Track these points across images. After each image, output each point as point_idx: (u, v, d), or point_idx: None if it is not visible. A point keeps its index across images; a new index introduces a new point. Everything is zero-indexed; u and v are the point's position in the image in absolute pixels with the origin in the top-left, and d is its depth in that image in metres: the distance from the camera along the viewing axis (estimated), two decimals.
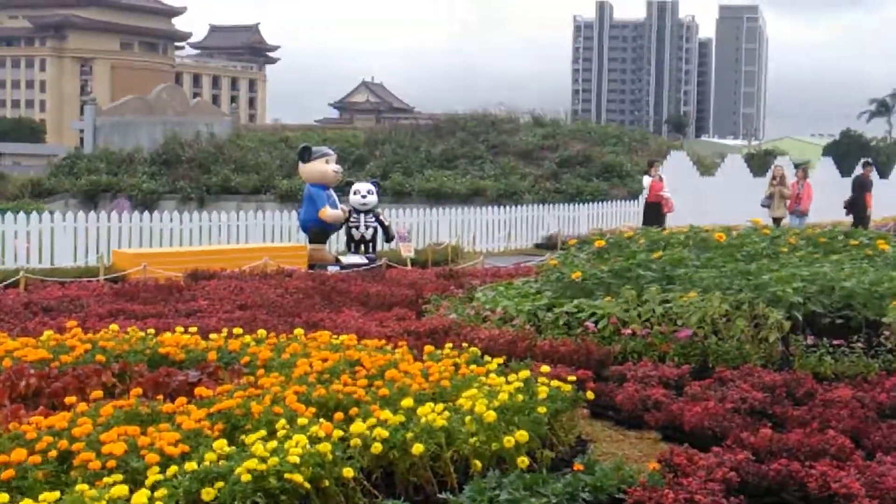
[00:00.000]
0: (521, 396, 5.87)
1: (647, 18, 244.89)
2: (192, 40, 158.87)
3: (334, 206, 17.85)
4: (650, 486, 4.92)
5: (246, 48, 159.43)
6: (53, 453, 4.86)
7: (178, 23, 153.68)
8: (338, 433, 5.09)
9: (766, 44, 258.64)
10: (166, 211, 21.70)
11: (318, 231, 18.02)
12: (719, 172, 34.91)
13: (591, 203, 30.33)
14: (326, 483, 4.78)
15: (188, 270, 14.49)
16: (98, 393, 6.10)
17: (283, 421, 5.28)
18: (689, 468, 5.22)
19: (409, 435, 5.18)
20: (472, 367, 6.66)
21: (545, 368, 6.63)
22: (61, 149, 71.71)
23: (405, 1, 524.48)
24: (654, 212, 23.03)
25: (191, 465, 4.62)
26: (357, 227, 18.11)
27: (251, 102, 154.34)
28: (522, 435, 5.37)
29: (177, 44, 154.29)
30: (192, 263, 15.14)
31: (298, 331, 8.05)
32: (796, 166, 28.83)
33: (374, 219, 18.25)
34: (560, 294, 10.22)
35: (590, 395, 6.54)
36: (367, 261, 17.41)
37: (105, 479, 4.51)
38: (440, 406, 5.55)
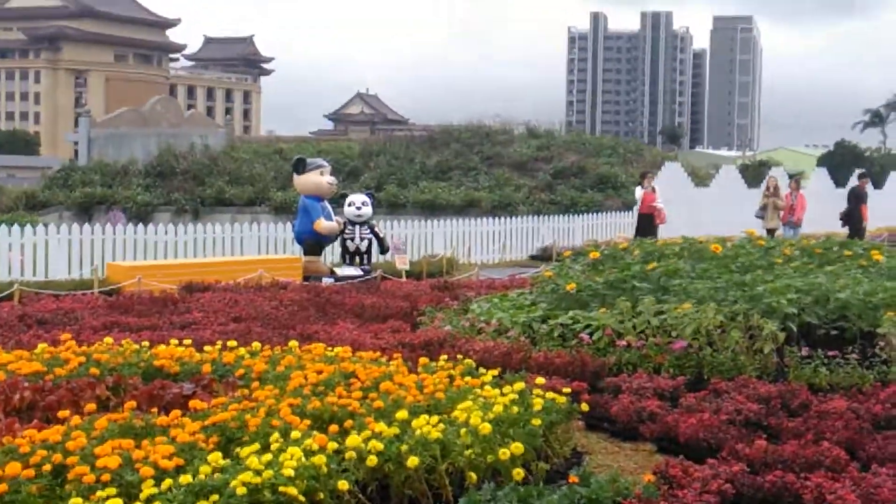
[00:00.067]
0: (516, 408, 5.87)
1: (642, 29, 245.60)
2: (186, 52, 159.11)
3: (329, 217, 17.86)
4: (645, 498, 4.92)
5: (240, 60, 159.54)
6: (48, 467, 4.84)
7: (173, 35, 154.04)
8: (333, 446, 5.09)
9: (760, 54, 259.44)
10: (161, 223, 21.73)
11: (312, 243, 18.02)
12: (714, 183, 34.99)
13: (585, 214, 30.38)
14: (321, 496, 4.77)
15: (183, 283, 14.48)
16: (92, 406, 6.09)
17: (276, 434, 5.28)
18: (685, 480, 5.22)
19: (404, 447, 5.18)
20: (467, 379, 6.65)
21: (540, 380, 6.63)
22: (56, 161, 71.60)
23: (400, 13, 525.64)
24: (647, 223, 23.10)
25: (186, 479, 4.62)
26: (352, 239, 18.11)
27: (246, 114, 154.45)
28: (517, 447, 5.36)
29: (171, 56, 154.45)
30: (187, 276, 15.13)
31: (293, 343, 8.03)
32: (790, 177, 28.90)
33: (368, 230, 18.26)
34: (555, 306, 10.22)
35: (585, 406, 6.54)
36: (361, 273, 17.41)
37: (99, 493, 4.50)
38: (435, 418, 5.54)
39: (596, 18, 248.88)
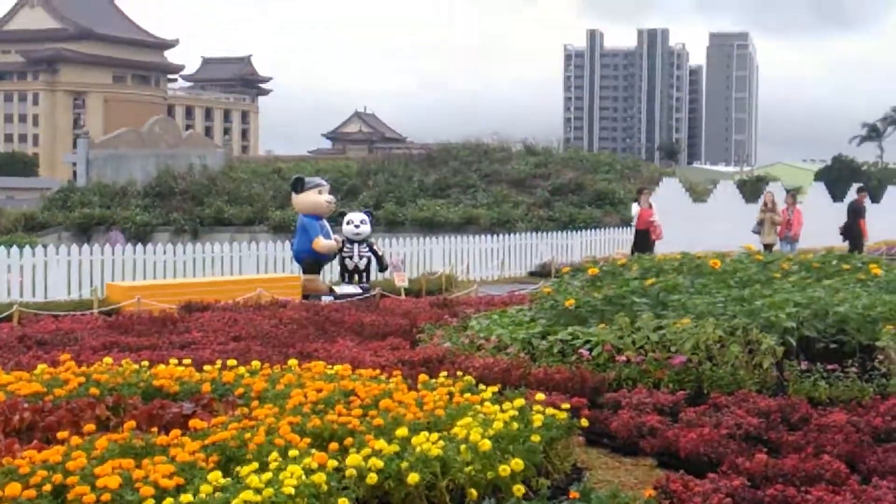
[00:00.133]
0: (516, 425, 5.87)
1: (638, 46, 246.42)
2: (184, 73, 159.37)
3: (328, 236, 17.88)
4: None
5: (238, 80, 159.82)
6: (48, 487, 4.84)
7: (171, 55, 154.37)
8: (333, 463, 5.09)
9: (756, 70, 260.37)
10: (160, 243, 21.73)
11: (311, 261, 18.03)
12: (711, 199, 35.03)
13: (584, 231, 30.37)
14: None
15: (182, 302, 14.48)
16: (92, 426, 6.08)
17: (276, 453, 5.28)
18: (685, 495, 5.21)
19: (405, 464, 5.18)
20: (467, 395, 6.66)
21: (540, 396, 6.64)
22: (54, 182, 71.68)
23: (397, 33, 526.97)
24: (644, 239, 23.15)
25: (186, 498, 4.62)
26: (350, 257, 18.12)
27: (244, 134, 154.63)
28: (518, 463, 5.36)
29: (169, 76, 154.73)
30: (186, 295, 15.14)
31: (293, 361, 8.04)
32: (787, 192, 28.94)
33: (367, 248, 18.28)
34: (554, 322, 10.22)
35: (585, 422, 6.54)
36: (360, 290, 17.41)
37: None
38: (435, 435, 5.54)
39: (592, 36, 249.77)
